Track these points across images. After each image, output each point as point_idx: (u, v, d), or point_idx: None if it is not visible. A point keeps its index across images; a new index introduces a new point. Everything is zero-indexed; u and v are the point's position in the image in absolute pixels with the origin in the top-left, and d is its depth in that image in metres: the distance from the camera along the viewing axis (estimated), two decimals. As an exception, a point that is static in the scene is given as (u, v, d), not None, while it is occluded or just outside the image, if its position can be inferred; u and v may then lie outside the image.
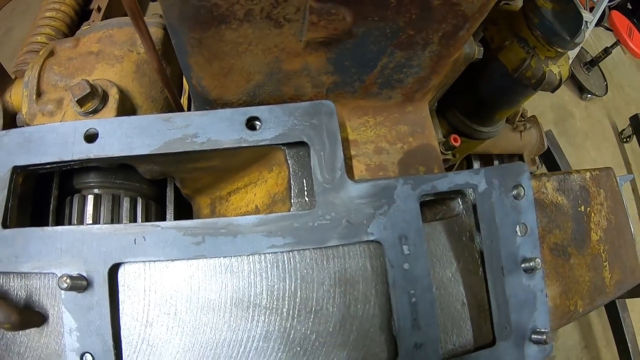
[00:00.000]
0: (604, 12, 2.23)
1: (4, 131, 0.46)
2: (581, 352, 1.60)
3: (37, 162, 0.43)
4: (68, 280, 0.35)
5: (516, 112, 0.87)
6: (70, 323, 0.37)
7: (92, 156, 0.41)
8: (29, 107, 0.57)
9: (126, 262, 0.37)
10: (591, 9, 2.13)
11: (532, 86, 0.72)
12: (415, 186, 0.38)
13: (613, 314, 1.41)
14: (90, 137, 0.42)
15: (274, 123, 0.39)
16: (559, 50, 0.71)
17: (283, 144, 0.40)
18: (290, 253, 0.37)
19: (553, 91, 0.75)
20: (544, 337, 0.39)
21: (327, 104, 0.41)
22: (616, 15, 2.27)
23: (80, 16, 1.93)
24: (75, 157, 0.41)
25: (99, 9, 1.91)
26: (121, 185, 0.50)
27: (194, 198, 0.53)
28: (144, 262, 0.37)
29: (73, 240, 0.38)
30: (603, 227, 0.54)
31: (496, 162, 0.98)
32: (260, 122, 0.39)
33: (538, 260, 0.40)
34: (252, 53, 0.38)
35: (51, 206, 0.50)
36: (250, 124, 0.40)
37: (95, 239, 0.38)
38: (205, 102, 0.44)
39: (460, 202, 0.45)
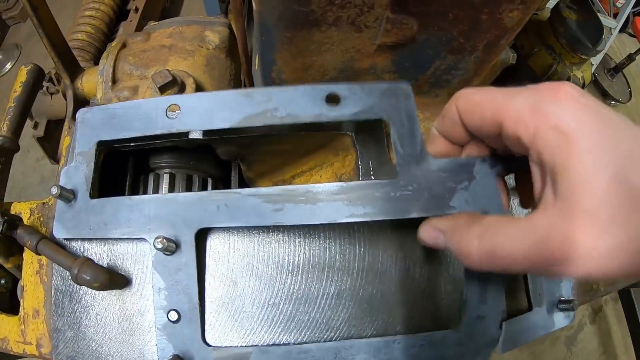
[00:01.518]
0: (628, 18, 2.24)
1: (86, 108, 0.48)
2: (599, 357, 1.66)
3: (121, 137, 0.46)
4: (164, 241, 0.39)
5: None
6: (159, 283, 0.41)
7: (174, 130, 0.44)
8: (105, 92, 0.63)
9: (210, 227, 0.42)
10: (615, 15, 2.11)
11: None
12: (492, 165, 0.39)
13: (633, 321, 1.46)
14: (169, 114, 0.46)
15: (353, 100, 0.41)
16: (582, 57, 0.79)
17: (352, 130, 0.46)
18: (368, 223, 0.41)
19: None
20: (571, 305, 0.46)
21: (405, 85, 0.41)
22: (640, 22, 2.29)
23: (118, 15, 2.02)
24: (158, 132, 0.44)
25: (136, 10, 2.00)
26: (193, 166, 0.56)
27: (256, 181, 0.60)
28: (226, 227, 0.42)
29: (161, 208, 0.42)
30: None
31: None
32: (340, 99, 0.41)
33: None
34: (332, 52, 0.45)
35: (127, 183, 0.56)
36: (330, 100, 0.41)
37: (182, 206, 0.42)
38: (280, 94, 0.51)
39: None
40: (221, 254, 0.43)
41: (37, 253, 0.48)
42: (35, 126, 1.75)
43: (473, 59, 0.52)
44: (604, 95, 2.40)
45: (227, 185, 0.60)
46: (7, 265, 0.57)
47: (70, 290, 0.47)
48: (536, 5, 0.46)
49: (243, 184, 0.61)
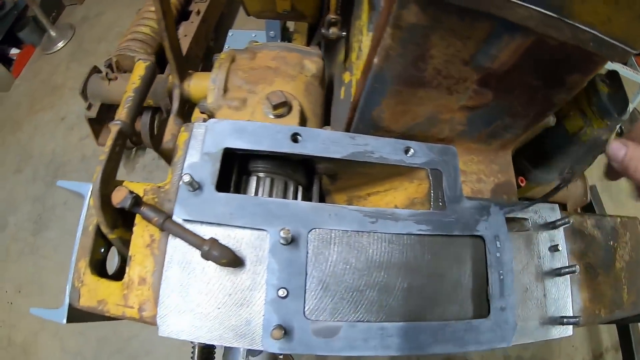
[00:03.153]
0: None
1: (215, 119, 0.61)
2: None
3: (250, 148, 0.59)
4: (289, 233, 0.51)
5: (563, 168, 1.09)
6: (273, 265, 0.52)
7: (296, 152, 0.59)
8: (216, 99, 0.73)
9: (320, 228, 0.55)
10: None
11: (586, 146, 0.94)
12: (501, 208, 0.61)
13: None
14: (295, 139, 0.60)
15: (421, 153, 0.62)
16: (608, 123, 0.93)
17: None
18: (429, 236, 0.57)
19: (601, 153, 0.96)
20: (577, 320, 0.61)
21: (453, 149, 0.63)
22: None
23: (181, 15, 2.19)
24: (283, 150, 0.59)
25: (198, 12, 2.17)
26: (289, 175, 0.69)
27: (332, 193, 0.73)
28: (333, 229, 0.56)
29: (282, 208, 0.55)
30: (625, 259, 0.75)
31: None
32: (413, 151, 0.61)
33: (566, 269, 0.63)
34: (426, 106, 0.59)
35: (232, 181, 0.69)
36: (406, 151, 0.62)
37: (300, 210, 0.55)
38: (372, 127, 0.65)
39: (530, 223, 0.66)
40: (325, 249, 0.55)
41: (162, 229, 0.56)
42: (89, 107, 1.91)
43: (525, 121, 0.67)
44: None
45: (309, 194, 0.73)
46: (110, 236, 0.62)
47: (185, 263, 0.55)
48: (578, 90, 0.60)
49: (321, 194, 0.74)
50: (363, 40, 0.66)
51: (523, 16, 0.44)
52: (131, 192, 0.56)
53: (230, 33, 1.99)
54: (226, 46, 1.99)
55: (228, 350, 0.80)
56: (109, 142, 0.62)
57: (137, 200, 0.57)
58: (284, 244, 0.54)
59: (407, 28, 0.48)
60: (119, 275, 0.63)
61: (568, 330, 0.61)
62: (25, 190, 2.37)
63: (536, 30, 0.45)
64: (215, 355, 0.84)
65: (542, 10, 0.43)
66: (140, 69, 0.81)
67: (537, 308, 0.62)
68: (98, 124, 1.95)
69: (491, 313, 0.56)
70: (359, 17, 0.75)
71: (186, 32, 1.90)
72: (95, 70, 1.90)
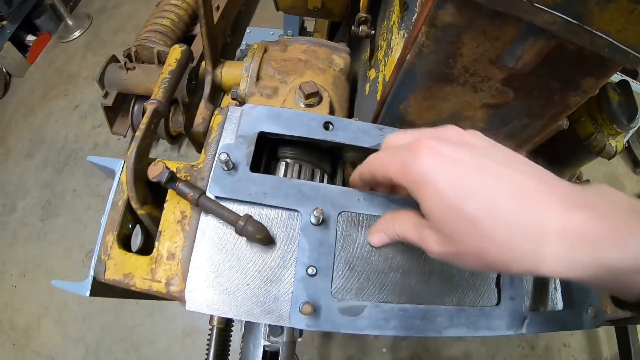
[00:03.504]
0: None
1: (251, 105, 0.63)
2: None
3: (283, 133, 0.61)
4: (322, 213, 0.54)
5: (574, 174, 1.13)
6: (304, 244, 0.54)
7: (328, 139, 0.62)
8: (249, 86, 0.77)
9: (349, 212, 0.57)
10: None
11: (595, 153, 0.98)
12: None
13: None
14: (326, 127, 0.63)
15: None
16: (618, 130, 0.97)
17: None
18: None
19: (609, 159, 1.01)
20: (587, 311, 0.62)
21: None
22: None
23: None
24: (316, 137, 0.61)
25: (217, 8, 2.22)
26: (316, 162, 0.72)
27: (355, 182, 0.76)
28: (361, 213, 0.58)
29: (314, 190, 0.57)
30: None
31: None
32: None
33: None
34: (451, 102, 0.63)
35: (262, 166, 0.72)
36: None
37: (330, 193, 0.57)
38: (398, 121, 0.69)
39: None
40: (353, 232, 0.58)
41: (196, 205, 0.57)
42: (106, 95, 1.95)
43: (540, 123, 0.70)
44: (635, 164, 2.60)
45: (333, 182, 0.77)
46: (140, 212, 0.62)
47: (217, 239, 0.57)
48: (592, 94, 0.64)
49: (344, 184, 0.78)
50: (393, 38, 0.70)
51: (547, 21, 0.48)
52: (167, 167, 0.58)
53: (248, 30, 2.04)
54: (243, 43, 2.04)
55: (248, 331, 0.82)
56: (145, 120, 0.64)
57: (172, 176, 0.58)
58: (314, 224, 0.57)
59: (442, 27, 0.52)
60: (141, 252, 0.65)
61: (593, 325, 0.64)
62: (35, 175, 2.40)
63: (558, 35, 0.49)
64: (231, 338, 0.87)
65: (565, 17, 0.47)
66: (176, 53, 0.82)
67: (547, 300, 0.65)
68: (113, 112, 1.99)
69: (501, 301, 0.59)
70: (387, 17, 0.80)
71: (205, 27, 1.94)
72: (114, 59, 1.94)
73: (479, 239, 0.33)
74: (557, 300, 0.65)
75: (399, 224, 0.50)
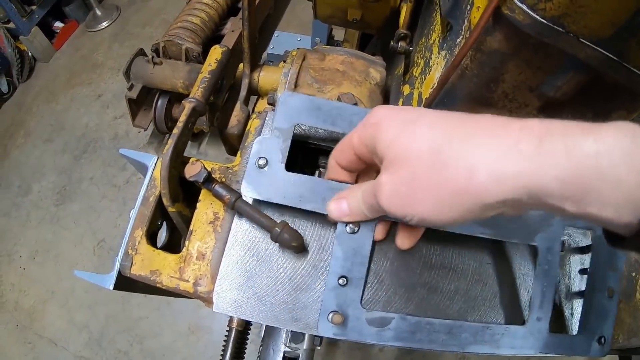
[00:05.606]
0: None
1: (289, 92, 0.58)
2: None
3: (323, 127, 0.57)
4: (358, 222, 0.53)
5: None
6: (337, 253, 0.53)
7: None
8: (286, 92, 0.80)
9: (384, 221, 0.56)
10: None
11: None
12: (563, 222, 0.59)
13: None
14: None
15: None
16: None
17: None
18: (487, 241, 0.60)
19: None
20: (601, 339, 0.63)
21: None
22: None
23: (231, 9, 2.29)
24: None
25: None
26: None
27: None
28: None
29: None
30: (646, 291, 0.78)
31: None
32: None
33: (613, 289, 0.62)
34: (488, 124, 0.65)
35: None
36: None
37: None
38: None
39: (566, 244, 0.69)
40: (385, 244, 0.58)
41: (232, 208, 0.57)
42: (131, 88, 2.01)
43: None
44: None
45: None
46: (171, 209, 0.63)
47: (249, 244, 0.57)
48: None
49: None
50: (432, 57, 0.73)
51: (589, 55, 0.51)
52: (205, 168, 0.57)
53: (276, 34, 2.08)
54: (271, 46, 2.08)
55: (269, 335, 0.82)
56: (183, 118, 0.65)
57: (209, 176, 0.58)
58: (350, 233, 0.54)
59: (488, 52, 0.55)
60: (165, 248, 0.65)
61: (599, 352, 0.65)
62: (54, 160, 2.47)
63: (598, 69, 0.52)
64: (247, 340, 0.87)
65: (606, 53, 0.50)
66: (217, 53, 0.83)
67: (564, 325, 0.66)
68: (136, 105, 2.05)
69: (528, 322, 0.59)
70: (425, 35, 0.83)
71: (233, 28, 2.00)
72: (141, 52, 2.00)
73: (429, 159, 0.37)
74: (572, 326, 0.67)
75: (363, 189, 0.50)
